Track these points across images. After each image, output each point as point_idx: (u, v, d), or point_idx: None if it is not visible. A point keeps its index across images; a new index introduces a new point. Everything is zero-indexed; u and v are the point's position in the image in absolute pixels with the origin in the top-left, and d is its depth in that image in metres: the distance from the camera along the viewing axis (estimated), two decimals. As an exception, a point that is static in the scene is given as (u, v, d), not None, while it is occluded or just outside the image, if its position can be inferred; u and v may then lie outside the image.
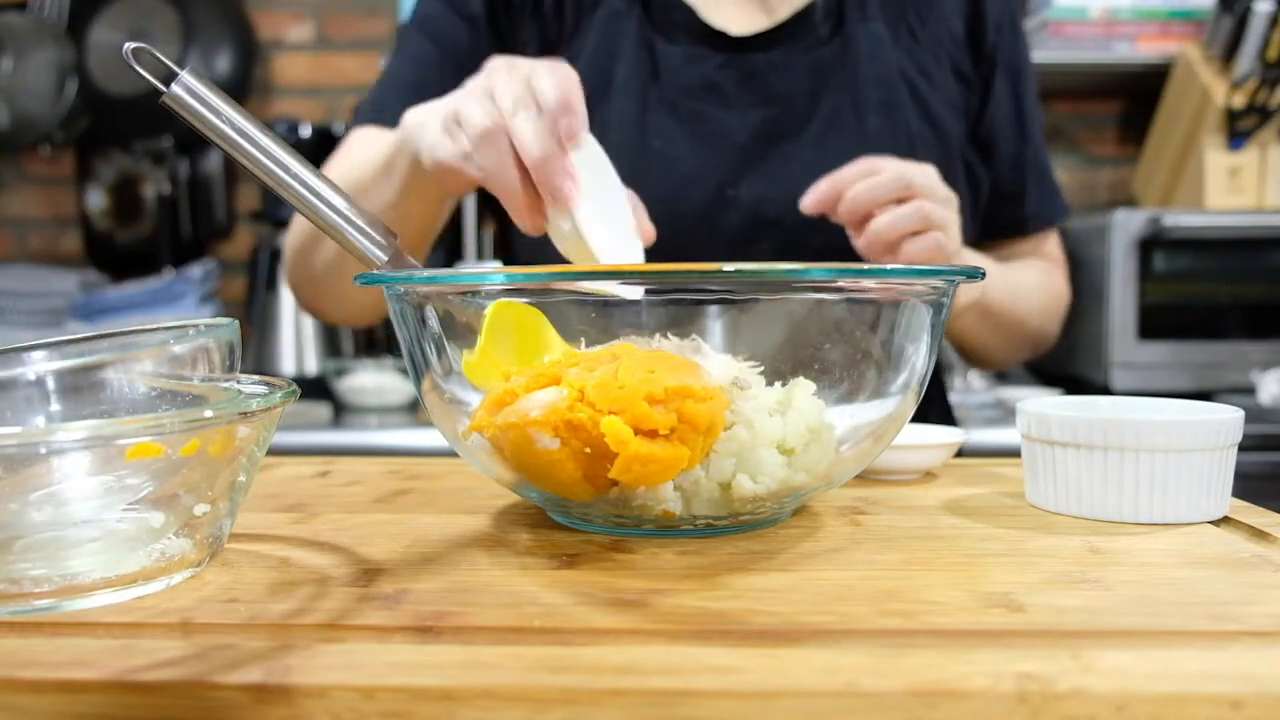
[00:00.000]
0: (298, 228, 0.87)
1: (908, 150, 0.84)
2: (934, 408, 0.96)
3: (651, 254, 0.66)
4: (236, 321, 0.47)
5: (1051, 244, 1.00)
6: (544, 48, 0.87)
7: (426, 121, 0.65)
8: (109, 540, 0.38)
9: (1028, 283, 0.93)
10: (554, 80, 0.58)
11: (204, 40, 2.08)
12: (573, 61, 0.85)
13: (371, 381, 1.82)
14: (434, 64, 0.86)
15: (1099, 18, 1.95)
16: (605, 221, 0.61)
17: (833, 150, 0.83)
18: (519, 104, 0.58)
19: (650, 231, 0.65)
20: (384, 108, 0.85)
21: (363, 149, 0.83)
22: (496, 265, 1.00)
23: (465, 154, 0.61)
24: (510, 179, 0.59)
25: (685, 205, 0.82)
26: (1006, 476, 0.62)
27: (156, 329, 0.50)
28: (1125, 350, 1.76)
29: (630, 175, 0.80)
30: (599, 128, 0.81)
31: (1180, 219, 1.74)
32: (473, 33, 0.87)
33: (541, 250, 0.86)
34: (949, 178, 0.86)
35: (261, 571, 0.42)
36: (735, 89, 0.85)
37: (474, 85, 0.62)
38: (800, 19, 0.87)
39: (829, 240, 0.82)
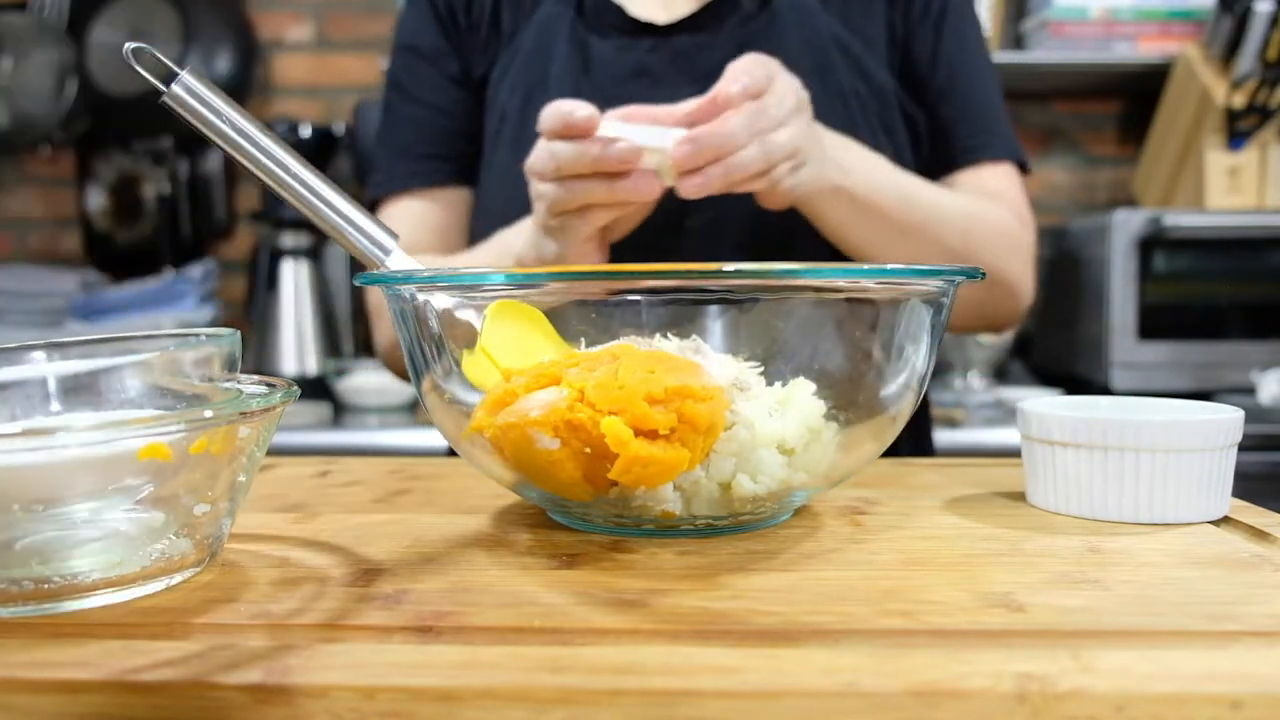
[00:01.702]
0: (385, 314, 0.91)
1: (842, 109, 0.85)
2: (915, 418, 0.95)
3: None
4: (238, 332, 0.47)
5: (994, 180, 0.90)
6: (487, 56, 0.91)
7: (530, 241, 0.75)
8: (109, 540, 0.38)
9: (938, 198, 0.83)
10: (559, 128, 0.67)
11: (204, 40, 2.08)
12: (512, 62, 0.89)
13: (371, 381, 1.82)
14: (411, 118, 0.92)
15: (1099, 18, 1.95)
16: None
17: None
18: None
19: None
20: (390, 177, 0.92)
21: (409, 222, 0.91)
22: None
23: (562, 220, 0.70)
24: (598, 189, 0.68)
25: None
26: (1006, 476, 0.62)
27: (159, 336, 0.50)
28: (1125, 350, 1.76)
29: None
30: (534, 120, 0.83)
31: (1180, 219, 1.74)
32: (436, 68, 0.92)
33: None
34: (888, 132, 0.86)
35: (261, 571, 0.42)
36: (664, 70, 0.87)
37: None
38: (724, 1, 0.88)
39: (757, 216, 0.81)
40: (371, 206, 0.95)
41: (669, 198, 0.83)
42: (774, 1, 0.87)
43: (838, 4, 0.88)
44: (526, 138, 0.85)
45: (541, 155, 0.69)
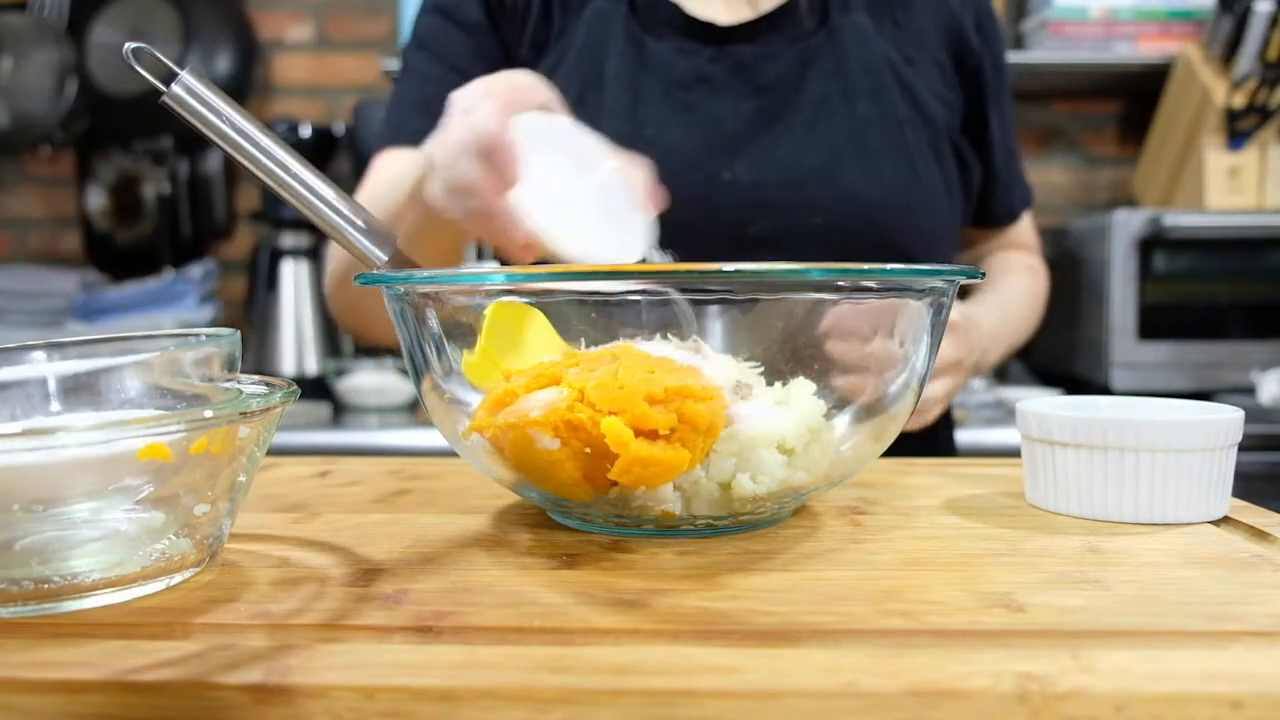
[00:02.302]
0: (337, 255, 0.88)
1: (897, 133, 0.86)
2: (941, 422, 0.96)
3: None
4: (238, 332, 0.47)
5: (1023, 227, 1.06)
6: (534, 48, 0.89)
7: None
8: (109, 540, 0.38)
9: (1018, 310, 0.99)
10: (483, 114, 0.59)
11: (204, 40, 2.08)
12: (562, 59, 0.87)
13: (371, 381, 1.82)
14: (437, 78, 0.88)
15: (1099, 18, 1.94)
16: (581, 222, 0.61)
17: (823, 133, 0.85)
18: (460, 152, 0.59)
19: (656, 195, 0.66)
20: (399, 129, 0.88)
21: (388, 171, 0.86)
22: (495, 265, 1.01)
23: (445, 203, 0.62)
24: (478, 227, 0.61)
25: (679, 189, 0.83)
26: (1006, 476, 0.62)
27: (159, 336, 0.50)
28: (1125, 350, 1.76)
29: None
30: (591, 119, 0.82)
31: (1180, 219, 1.74)
32: (473, 40, 0.89)
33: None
34: (938, 159, 0.89)
35: (261, 571, 0.42)
36: (725, 79, 0.87)
37: (442, 126, 0.63)
38: (785, 11, 0.89)
39: (826, 219, 0.83)
40: (374, 155, 0.91)
41: (730, 208, 0.83)
42: (832, 19, 0.88)
43: (890, 31, 0.90)
44: None
45: (449, 156, 0.60)
